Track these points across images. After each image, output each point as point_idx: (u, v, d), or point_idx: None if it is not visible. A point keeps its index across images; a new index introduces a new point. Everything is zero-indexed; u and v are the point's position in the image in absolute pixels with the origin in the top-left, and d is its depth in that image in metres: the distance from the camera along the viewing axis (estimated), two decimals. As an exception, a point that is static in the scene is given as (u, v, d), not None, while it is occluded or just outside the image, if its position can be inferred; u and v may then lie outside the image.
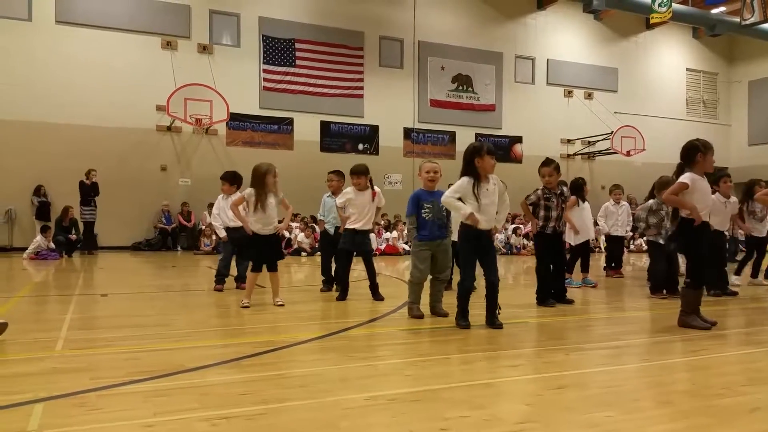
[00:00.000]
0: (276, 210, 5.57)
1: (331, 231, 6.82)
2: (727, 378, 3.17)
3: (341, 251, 6.15)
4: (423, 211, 4.96)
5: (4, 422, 2.36)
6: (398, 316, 5.12)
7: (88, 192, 13.38)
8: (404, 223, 15.76)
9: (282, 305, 5.51)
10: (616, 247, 9.23)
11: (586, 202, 7.76)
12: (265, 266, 5.58)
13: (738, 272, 7.94)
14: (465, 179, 4.50)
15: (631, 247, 17.05)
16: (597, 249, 15.76)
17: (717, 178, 6.85)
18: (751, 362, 3.59)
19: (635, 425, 2.38)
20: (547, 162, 6.04)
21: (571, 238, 7.61)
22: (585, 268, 7.77)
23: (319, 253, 13.63)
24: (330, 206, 6.84)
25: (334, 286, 6.67)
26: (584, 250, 7.79)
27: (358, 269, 6.30)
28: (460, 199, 4.49)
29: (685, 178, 4.52)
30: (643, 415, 2.51)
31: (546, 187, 5.92)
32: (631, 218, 8.99)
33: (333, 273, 6.77)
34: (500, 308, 4.58)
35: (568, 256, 7.71)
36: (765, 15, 16.81)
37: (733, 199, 7.09)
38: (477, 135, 18.55)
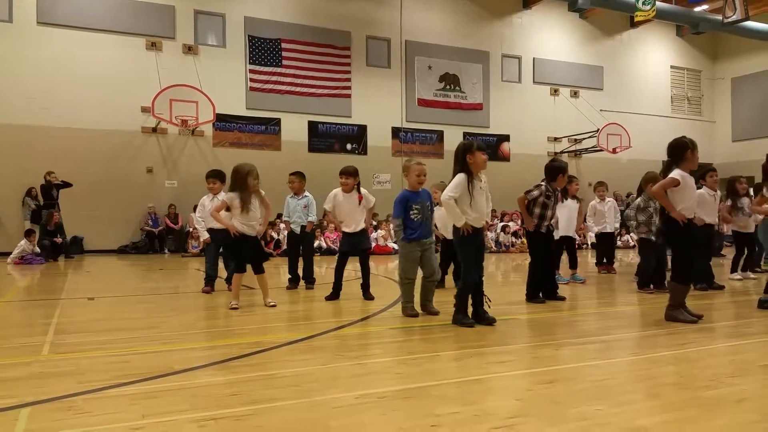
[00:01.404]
0: (259, 211, 5.51)
1: (297, 230, 7.04)
2: (714, 370, 3.20)
3: (340, 253, 6.22)
4: (411, 212, 4.94)
5: (-11, 427, 2.32)
6: (388, 315, 5.12)
7: (52, 195, 13.14)
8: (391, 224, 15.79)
9: (274, 305, 5.48)
10: (605, 243, 9.28)
11: (570, 200, 7.76)
12: (251, 268, 5.55)
13: (734, 269, 8.03)
14: (462, 176, 4.49)
15: (618, 243, 17.20)
16: (585, 246, 15.89)
17: (703, 172, 6.94)
18: (737, 354, 3.63)
19: (624, 418, 2.39)
20: (565, 163, 6.16)
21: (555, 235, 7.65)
22: (573, 265, 7.83)
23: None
24: (293, 207, 7.05)
25: (300, 284, 7.05)
26: (569, 247, 7.81)
27: (348, 268, 6.28)
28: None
29: (676, 174, 4.57)
30: (632, 408, 2.53)
31: (549, 185, 5.93)
32: (618, 214, 9.06)
33: (300, 271, 7.09)
34: (489, 300, 4.60)
35: None
36: (746, 13, 17.04)
37: (718, 193, 7.18)
38: (465, 134, 18.59)
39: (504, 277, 9.04)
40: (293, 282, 7.11)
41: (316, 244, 14.30)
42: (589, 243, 15.73)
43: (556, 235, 7.60)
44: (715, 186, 6.97)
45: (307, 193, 7.06)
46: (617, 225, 9.28)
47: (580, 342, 3.96)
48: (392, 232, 5.11)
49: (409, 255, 4.96)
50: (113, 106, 14.59)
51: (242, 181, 5.37)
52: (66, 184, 13.26)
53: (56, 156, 13.79)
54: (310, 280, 7.06)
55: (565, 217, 7.62)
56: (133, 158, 14.97)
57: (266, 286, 5.64)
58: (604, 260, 9.17)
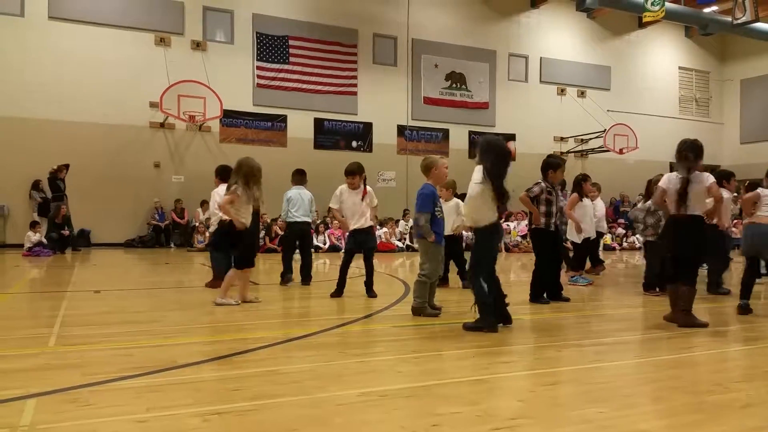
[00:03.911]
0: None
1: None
2: (720, 375, 3.19)
3: (345, 251, 6.24)
4: (436, 209, 4.94)
5: (-4, 418, 2.34)
6: (391, 313, 5.13)
7: (59, 187, 13.23)
8: (397, 221, 15.74)
9: (220, 305, 5.31)
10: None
11: (588, 199, 7.71)
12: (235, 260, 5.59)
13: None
14: None
15: (624, 244, 17.14)
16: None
17: (728, 176, 6.92)
18: (743, 359, 3.62)
19: (628, 421, 2.39)
20: (564, 160, 6.15)
21: (574, 236, 7.58)
22: (582, 266, 7.74)
23: (312, 249, 13.70)
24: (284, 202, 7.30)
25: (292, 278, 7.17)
26: (591, 247, 7.71)
27: (352, 265, 6.28)
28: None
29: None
30: (636, 411, 2.52)
31: (548, 181, 5.92)
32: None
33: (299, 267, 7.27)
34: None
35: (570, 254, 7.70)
36: (756, 14, 16.91)
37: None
38: (470, 133, 18.57)
39: (507, 277, 9.03)
40: (304, 278, 7.21)
41: (321, 240, 14.37)
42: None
43: (579, 237, 7.55)
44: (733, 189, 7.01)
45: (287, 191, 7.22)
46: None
47: (583, 344, 3.96)
48: (414, 228, 4.95)
49: (436, 256, 4.98)
50: (122, 100, 14.64)
51: (253, 175, 5.38)
52: (66, 167, 13.30)
53: (64, 150, 13.84)
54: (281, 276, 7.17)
55: (586, 217, 7.54)
56: (140, 153, 15.02)
57: (228, 285, 5.51)
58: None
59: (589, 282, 7.47)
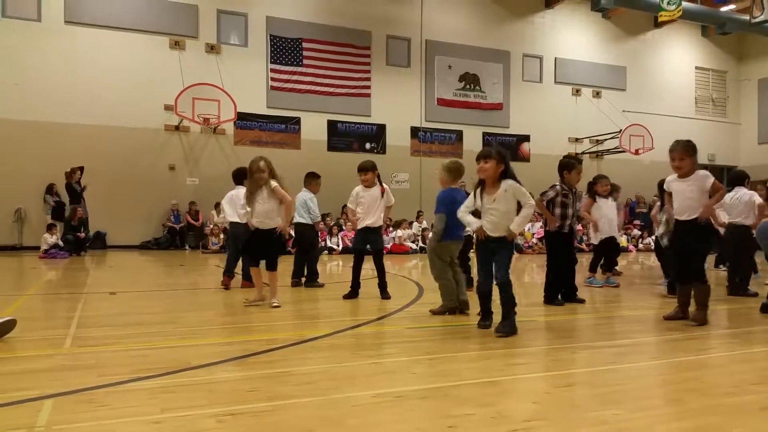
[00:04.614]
0: (273, 205, 5.36)
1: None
2: (737, 377, 3.13)
3: (354, 251, 6.21)
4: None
5: (13, 418, 2.37)
6: (405, 314, 5.11)
7: (76, 191, 13.42)
8: (410, 223, 15.75)
9: (277, 306, 5.34)
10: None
11: (605, 199, 7.58)
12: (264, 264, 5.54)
13: None
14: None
15: (640, 246, 16.96)
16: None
17: (747, 178, 6.80)
18: (761, 361, 3.55)
19: (644, 423, 2.36)
20: (579, 161, 6.07)
21: (592, 237, 7.53)
22: (609, 267, 7.62)
23: (326, 251, 13.75)
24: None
25: (302, 279, 7.13)
26: (607, 249, 7.57)
27: (366, 267, 6.28)
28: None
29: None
30: (652, 413, 2.49)
31: (564, 184, 5.88)
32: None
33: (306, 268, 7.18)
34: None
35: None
36: (775, 12, 16.67)
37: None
38: (484, 134, 18.51)
39: (520, 279, 8.97)
40: (306, 280, 7.22)
41: (335, 242, 14.42)
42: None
43: (596, 238, 7.45)
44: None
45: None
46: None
47: (599, 345, 3.91)
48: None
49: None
50: (137, 103, 14.82)
51: (249, 174, 5.38)
52: (80, 169, 13.49)
53: (80, 153, 14.04)
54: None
55: (604, 218, 7.42)
56: (155, 156, 15.19)
57: (274, 286, 5.50)
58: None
59: (605, 285, 7.36)
